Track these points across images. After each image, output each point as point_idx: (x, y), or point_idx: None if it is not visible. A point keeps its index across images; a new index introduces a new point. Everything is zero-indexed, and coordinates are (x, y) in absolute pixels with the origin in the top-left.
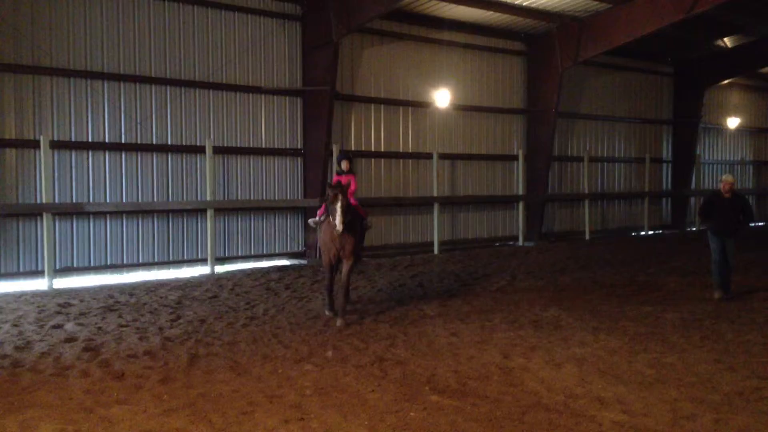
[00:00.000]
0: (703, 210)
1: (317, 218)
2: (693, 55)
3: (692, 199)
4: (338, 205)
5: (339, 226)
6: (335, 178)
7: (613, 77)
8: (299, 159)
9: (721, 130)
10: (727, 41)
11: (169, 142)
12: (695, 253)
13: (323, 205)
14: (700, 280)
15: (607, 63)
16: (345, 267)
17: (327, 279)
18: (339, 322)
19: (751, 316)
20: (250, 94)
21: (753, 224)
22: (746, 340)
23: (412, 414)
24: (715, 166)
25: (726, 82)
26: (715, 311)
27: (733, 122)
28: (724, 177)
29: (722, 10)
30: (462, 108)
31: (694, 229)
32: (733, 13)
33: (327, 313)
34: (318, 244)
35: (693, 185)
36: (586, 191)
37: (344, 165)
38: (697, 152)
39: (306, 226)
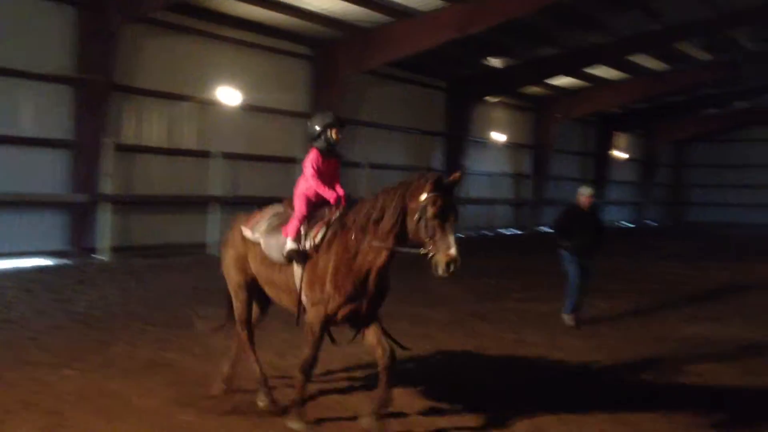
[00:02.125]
0: (562, 227)
1: (296, 243)
2: (465, 73)
3: (462, 206)
4: (451, 221)
5: (457, 257)
6: (316, 159)
7: (393, 88)
8: (68, 151)
9: (486, 144)
10: (496, 62)
11: None
12: (466, 259)
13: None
14: (463, 282)
15: (388, 74)
16: (377, 333)
17: (313, 353)
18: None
19: (506, 316)
20: (14, 79)
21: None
22: (501, 336)
23: (182, 417)
24: (481, 177)
25: (493, 99)
26: (476, 312)
27: (497, 137)
28: (584, 190)
29: (493, 32)
30: (247, 108)
31: (465, 235)
32: (502, 36)
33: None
34: (269, 287)
35: (462, 194)
36: (365, 196)
37: (333, 134)
38: (465, 164)
39: (78, 221)
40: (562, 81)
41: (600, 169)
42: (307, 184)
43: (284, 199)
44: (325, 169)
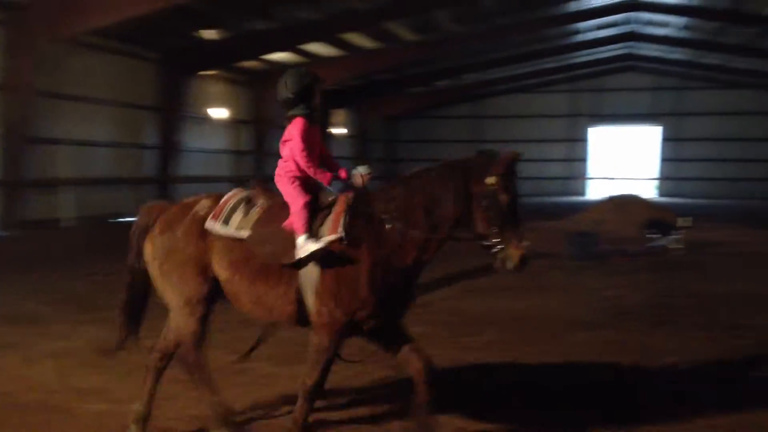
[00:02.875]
0: None
1: (314, 240)
2: (179, 45)
3: (179, 185)
4: (521, 210)
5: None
6: (305, 130)
7: (99, 59)
8: None
9: (204, 119)
10: (211, 34)
11: None
12: None
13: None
14: None
15: (93, 44)
16: (408, 341)
17: (323, 375)
18: None
19: None
20: None
21: None
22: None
23: None
24: (198, 154)
25: (209, 73)
26: None
27: (215, 112)
28: (361, 169)
29: (206, 3)
30: None
31: None
32: (215, 7)
33: None
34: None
35: (177, 172)
36: (66, 176)
37: (318, 97)
38: (181, 140)
39: None
40: (280, 56)
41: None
42: (293, 164)
43: (251, 180)
44: (311, 141)
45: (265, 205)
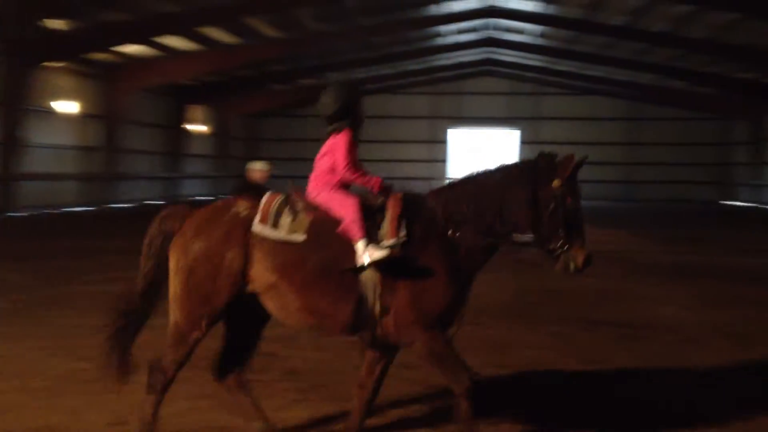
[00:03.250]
0: None
1: (378, 246)
2: (22, 34)
3: (22, 183)
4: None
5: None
6: (352, 144)
7: None
8: None
9: (49, 113)
10: (60, 23)
11: None
12: (30, 241)
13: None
14: (31, 267)
15: None
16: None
17: (463, 368)
18: None
19: (92, 302)
20: None
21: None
22: (78, 324)
23: None
24: (44, 150)
25: (58, 65)
26: (49, 298)
27: (62, 106)
28: (255, 165)
29: None
30: None
31: (26, 214)
32: None
33: None
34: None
35: (20, 169)
36: None
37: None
38: (25, 135)
39: None
40: (133, 49)
41: (175, 142)
42: (331, 176)
43: (289, 184)
44: (355, 154)
45: (312, 209)
